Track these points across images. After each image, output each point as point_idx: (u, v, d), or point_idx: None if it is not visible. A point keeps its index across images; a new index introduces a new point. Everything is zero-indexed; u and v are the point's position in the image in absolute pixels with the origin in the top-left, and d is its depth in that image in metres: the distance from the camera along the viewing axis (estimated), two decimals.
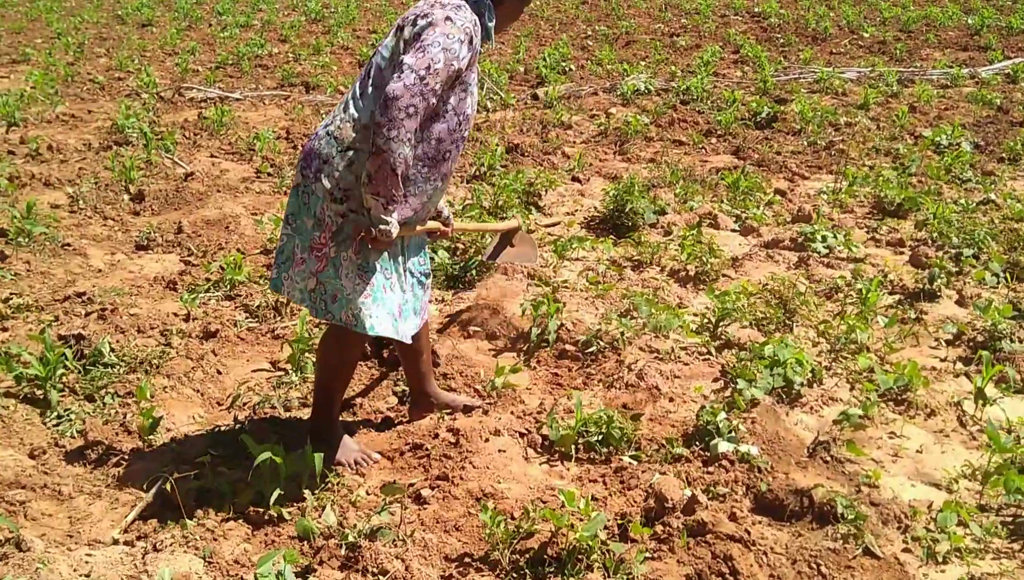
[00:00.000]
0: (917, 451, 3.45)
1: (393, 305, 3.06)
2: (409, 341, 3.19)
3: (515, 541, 2.79)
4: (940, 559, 2.82)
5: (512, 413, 3.68)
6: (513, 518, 2.91)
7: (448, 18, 2.78)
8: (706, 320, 4.46)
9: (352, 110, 2.91)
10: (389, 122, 2.69)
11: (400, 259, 3.12)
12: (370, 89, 2.90)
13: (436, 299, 4.82)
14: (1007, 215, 5.96)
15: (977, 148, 7.73)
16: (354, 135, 2.88)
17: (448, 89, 2.86)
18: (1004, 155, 7.50)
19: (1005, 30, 13.85)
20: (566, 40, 13.33)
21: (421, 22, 2.81)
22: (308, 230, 2.99)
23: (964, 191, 6.60)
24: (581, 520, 2.77)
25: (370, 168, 2.76)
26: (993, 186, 6.65)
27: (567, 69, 11.26)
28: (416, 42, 2.77)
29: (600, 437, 3.40)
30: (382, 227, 2.84)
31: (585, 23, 15.59)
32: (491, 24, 2.97)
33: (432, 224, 3.30)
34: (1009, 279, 4.97)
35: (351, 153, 2.89)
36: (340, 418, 3.53)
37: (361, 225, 2.92)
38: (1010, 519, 3.01)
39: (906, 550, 2.85)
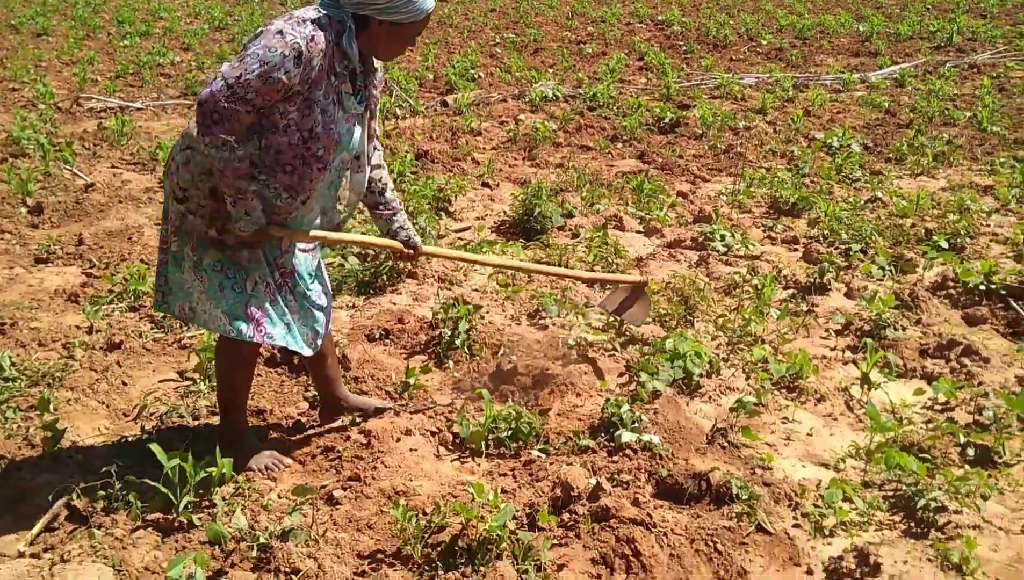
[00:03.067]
0: (807, 434, 3.65)
1: (235, 305, 3.04)
2: (259, 341, 3.10)
3: (427, 535, 2.86)
4: (827, 532, 3.00)
5: (423, 413, 3.74)
6: (425, 513, 2.98)
7: (280, 31, 2.77)
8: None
9: None
10: (200, 128, 2.78)
11: (263, 266, 3.09)
12: None
13: (347, 304, 4.86)
14: (893, 212, 6.31)
15: (866, 149, 8.14)
16: (193, 134, 2.92)
17: (285, 102, 2.83)
18: (891, 155, 7.91)
19: (893, 36, 14.54)
20: (475, 48, 13.45)
21: (257, 32, 2.84)
22: (161, 224, 3.12)
23: (854, 190, 6.95)
24: (491, 512, 2.85)
25: (214, 174, 2.87)
26: (880, 185, 7.01)
27: (476, 76, 11.38)
28: (242, 50, 2.82)
29: (509, 433, 3.49)
30: (238, 224, 2.92)
31: (493, 31, 15.76)
32: (351, 48, 2.92)
33: (396, 243, 3.38)
34: (894, 271, 5.27)
35: (189, 152, 2.96)
36: (250, 424, 3.54)
37: (198, 227, 2.99)
38: (891, 493, 3.22)
39: (796, 525, 3.03)
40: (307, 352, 3.22)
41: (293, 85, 2.80)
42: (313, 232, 3.12)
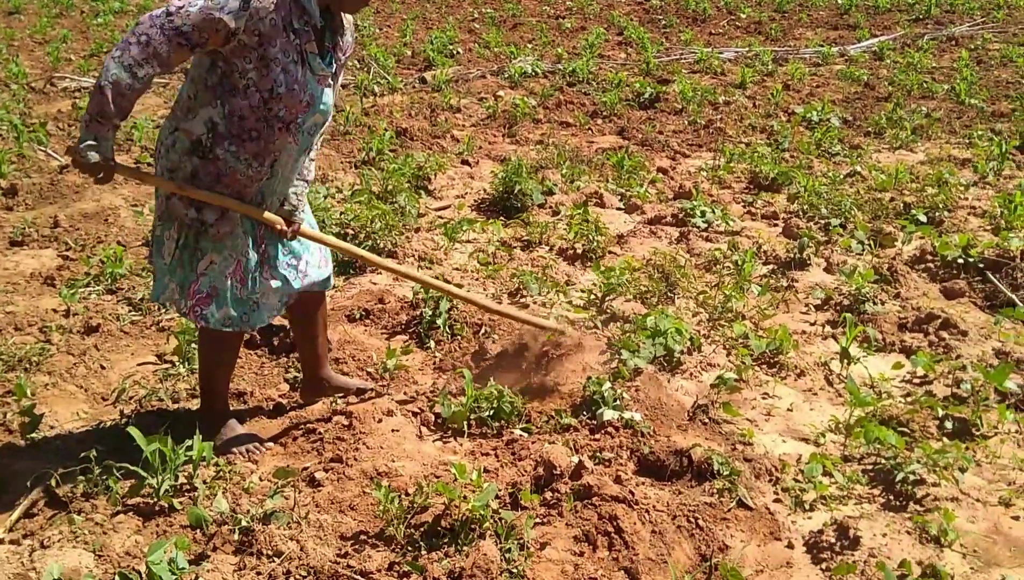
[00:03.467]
0: (788, 409, 3.67)
1: (183, 283, 3.02)
2: (193, 320, 3.09)
3: (409, 516, 2.86)
4: (807, 507, 3.03)
5: (405, 393, 3.74)
6: (407, 494, 2.97)
7: None
8: (593, 296, 4.60)
9: (181, 90, 2.93)
10: (120, 43, 2.71)
11: (239, 242, 3.04)
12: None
13: None
14: (872, 186, 6.33)
15: (845, 123, 8.15)
16: (179, 114, 2.89)
17: (240, 58, 2.78)
18: (870, 129, 7.93)
19: (872, 9, 14.54)
20: (453, 23, 13.34)
21: None
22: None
23: (833, 164, 6.97)
24: (473, 491, 2.86)
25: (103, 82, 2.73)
26: (859, 159, 7.03)
27: (455, 52, 11.28)
28: None
29: (491, 412, 3.49)
30: (80, 149, 2.76)
31: (472, 5, 15.62)
32: (309, 3, 2.84)
33: (269, 215, 3.07)
34: (872, 246, 5.29)
35: (177, 134, 2.92)
36: (231, 407, 3.52)
37: (178, 208, 2.94)
38: (870, 467, 3.25)
39: (777, 500, 3.06)
40: (262, 324, 3.20)
41: (237, 30, 2.73)
42: (181, 186, 2.91)
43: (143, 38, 2.69)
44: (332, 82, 3.05)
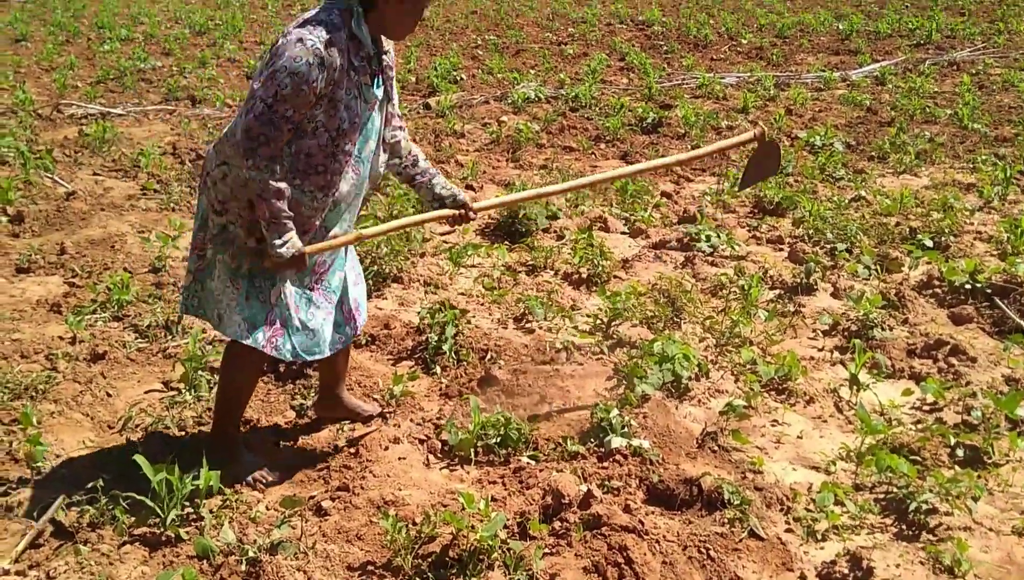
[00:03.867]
0: (797, 437, 3.65)
1: (256, 314, 3.05)
2: (287, 358, 3.17)
3: (417, 546, 2.84)
4: (819, 537, 3.00)
5: (411, 420, 3.72)
6: (415, 523, 2.95)
7: (300, 40, 2.78)
8: (598, 321, 4.59)
9: (231, 125, 2.94)
10: (245, 153, 2.79)
11: (301, 277, 3.13)
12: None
13: None
14: (877, 210, 6.33)
15: (849, 148, 8.16)
16: (228, 150, 2.91)
17: (313, 108, 2.85)
18: (873, 153, 7.94)
19: (873, 35, 14.61)
20: (456, 49, 13.42)
21: (278, 43, 2.84)
22: (195, 229, 3.11)
23: (837, 189, 6.96)
24: (481, 521, 2.83)
25: (250, 195, 2.88)
26: (864, 183, 7.03)
27: (458, 78, 11.35)
28: (268, 67, 2.80)
29: (498, 439, 3.48)
30: (274, 251, 2.90)
31: (475, 32, 15.73)
32: (361, 31, 2.90)
33: (444, 211, 3.34)
34: (879, 270, 5.28)
35: (225, 167, 2.95)
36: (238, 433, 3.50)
37: (239, 237, 2.99)
38: (882, 496, 3.22)
39: (788, 530, 3.03)
40: (327, 353, 3.25)
41: (321, 90, 2.82)
42: (356, 232, 3.17)
43: (262, 138, 2.78)
44: (385, 100, 3.10)
